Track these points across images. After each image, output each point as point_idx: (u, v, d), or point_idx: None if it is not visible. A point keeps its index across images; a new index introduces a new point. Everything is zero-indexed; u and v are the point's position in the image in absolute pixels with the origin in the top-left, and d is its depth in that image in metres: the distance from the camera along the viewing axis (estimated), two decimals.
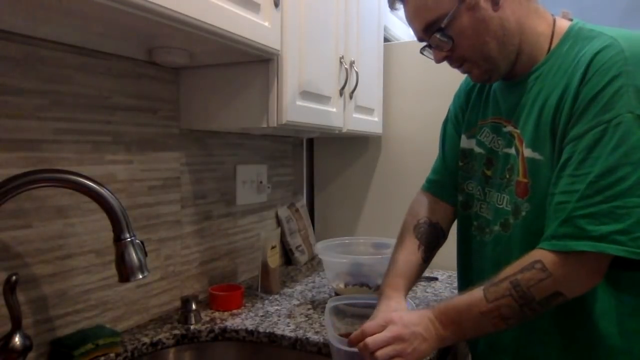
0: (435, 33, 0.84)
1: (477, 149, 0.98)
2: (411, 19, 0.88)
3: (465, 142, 1.02)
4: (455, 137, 1.06)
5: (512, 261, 0.82)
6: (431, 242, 1.05)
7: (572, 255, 0.74)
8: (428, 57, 0.92)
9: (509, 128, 0.90)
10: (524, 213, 0.85)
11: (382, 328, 0.82)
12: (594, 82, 0.75)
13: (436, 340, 0.82)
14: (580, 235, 0.73)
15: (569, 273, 0.75)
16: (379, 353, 0.79)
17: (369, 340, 0.80)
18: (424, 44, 0.90)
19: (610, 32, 0.80)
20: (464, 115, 1.04)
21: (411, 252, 1.03)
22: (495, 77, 0.90)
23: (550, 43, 0.86)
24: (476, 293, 0.80)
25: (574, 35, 0.84)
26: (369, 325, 0.83)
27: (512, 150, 0.89)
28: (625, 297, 0.81)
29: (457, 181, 1.05)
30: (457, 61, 0.89)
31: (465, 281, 1.03)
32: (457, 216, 1.06)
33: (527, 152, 0.85)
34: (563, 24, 0.87)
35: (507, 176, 0.89)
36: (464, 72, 0.92)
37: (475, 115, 1.00)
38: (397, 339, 0.80)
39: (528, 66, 0.87)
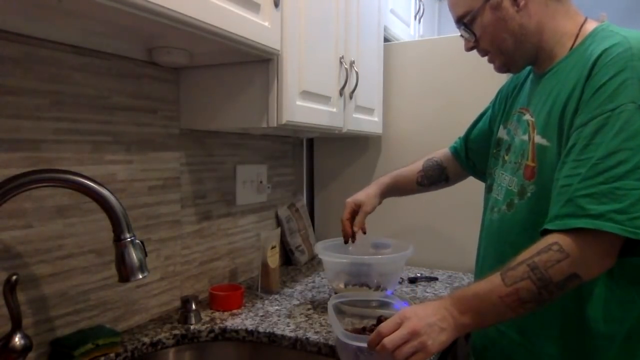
0: (462, 26, 0.95)
1: (505, 137, 1.05)
2: (450, 10, 0.99)
3: (501, 132, 1.08)
4: (485, 125, 1.18)
5: (513, 238, 0.91)
6: (432, 175, 1.28)
7: (585, 235, 0.76)
8: (453, 49, 1.05)
9: (527, 117, 0.96)
10: (529, 194, 0.90)
11: (398, 326, 0.82)
12: (600, 75, 0.79)
13: (455, 329, 0.82)
14: (580, 214, 0.76)
15: (585, 254, 0.76)
16: (398, 352, 0.79)
17: (386, 340, 0.80)
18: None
19: (624, 33, 0.83)
20: (505, 105, 1.10)
21: (412, 170, 1.29)
22: (514, 69, 0.99)
23: (574, 42, 0.90)
24: (494, 278, 0.81)
25: (594, 36, 0.88)
26: (384, 325, 0.83)
27: (526, 137, 0.94)
28: (614, 285, 0.84)
29: (472, 156, 1.22)
30: (481, 52, 0.99)
31: (477, 260, 1.10)
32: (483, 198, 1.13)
33: (537, 139, 0.90)
34: (590, 26, 0.91)
35: (520, 160, 0.95)
36: (488, 61, 1.00)
37: (511, 108, 1.07)
38: (413, 335, 0.80)
39: (551, 62, 0.93)
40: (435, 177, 1.28)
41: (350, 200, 1.26)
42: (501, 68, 0.99)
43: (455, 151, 1.27)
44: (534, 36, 0.91)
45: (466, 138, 1.24)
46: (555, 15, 0.91)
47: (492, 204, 1.03)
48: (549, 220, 0.80)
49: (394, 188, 1.29)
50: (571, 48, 0.90)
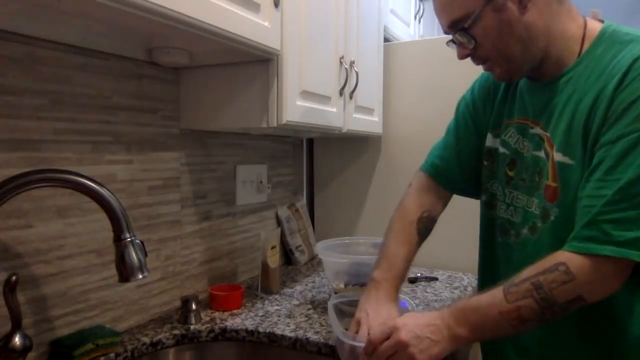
0: (459, 31, 0.84)
1: (501, 149, 0.96)
2: (438, 13, 0.87)
3: (490, 141, 0.99)
4: (472, 133, 1.03)
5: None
6: (426, 235, 1.06)
7: (597, 259, 0.72)
8: (452, 50, 0.90)
9: (537, 130, 0.88)
10: (552, 218, 0.84)
11: (388, 336, 0.82)
12: (633, 88, 0.74)
13: (449, 341, 0.80)
14: (604, 240, 0.72)
15: (594, 277, 0.73)
16: None
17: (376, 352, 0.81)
18: (450, 37, 0.89)
19: None
20: (487, 111, 1.01)
21: (412, 249, 1.02)
22: (517, 77, 0.90)
23: (582, 46, 0.84)
24: (496, 293, 0.78)
25: (607, 38, 0.82)
26: (375, 334, 0.83)
27: (542, 154, 0.87)
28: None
29: (468, 176, 1.04)
30: (479, 59, 0.88)
31: (487, 282, 0.99)
32: (480, 216, 1.04)
33: (558, 157, 0.83)
34: (594, 26, 0.85)
35: (537, 179, 0.87)
36: (486, 70, 0.91)
37: (501, 114, 0.98)
38: (400, 345, 0.79)
39: (557, 68, 0.86)
40: (428, 234, 1.07)
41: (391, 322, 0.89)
42: (503, 76, 0.89)
43: (438, 175, 1.07)
44: (541, 40, 0.83)
45: (458, 159, 1.05)
46: (560, 16, 0.83)
47: (502, 225, 0.95)
48: (568, 241, 0.76)
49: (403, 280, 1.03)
50: (579, 53, 0.84)
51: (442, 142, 1.10)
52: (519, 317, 0.76)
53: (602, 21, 0.86)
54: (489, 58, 0.86)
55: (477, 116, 1.03)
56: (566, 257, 0.74)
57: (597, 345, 0.84)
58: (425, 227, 1.04)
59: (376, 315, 0.93)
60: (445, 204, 1.09)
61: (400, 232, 1.04)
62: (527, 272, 0.77)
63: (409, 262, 1.01)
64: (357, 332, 0.92)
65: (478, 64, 0.89)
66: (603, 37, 0.83)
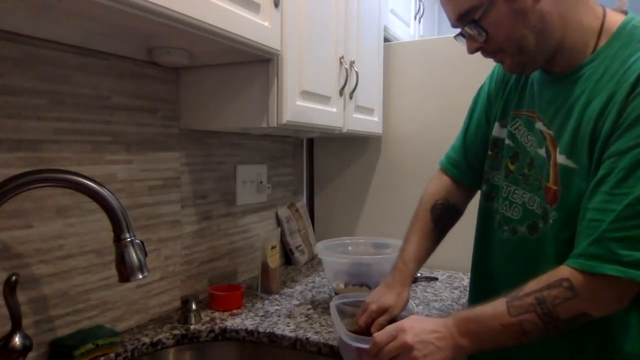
0: (468, 24, 0.79)
1: (507, 141, 0.93)
2: (445, 5, 0.82)
3: (497, 131, 0.96)
4: (482, 120, 1.02)
5: (535, 266, 0.80)
6: (446, 223, 1.08)
7: (602, 278, 0.70)
8: (453, 49, 0.87)
9: (540, 126, 0.85)
10: (551, 221, 0.82)
11: (393, 338, 0.82)
12: None
13: (452, 349, 0.80)
14: (610, 259, 0.70)
15: (598, 296, 0.72)
16: None
17: (380, 353, 0.81)
18: (458, 31, 0.84)
19: None
20: (498, 100, 0.98)
21: (425, 234, 1.05)
22: (529, 70, 0.85)
23: (598, 40, 0.78)
24: (499, 305, 0.77)
25: (626, 35, 0.76)
26: (380, 335, 0.83)
27: (543, 152, 0.84)
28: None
29: (475, 165, 1.04)
30: (491, 52, 0.83)
31: (480, 275, 1.03)
32: (479, 206, 1.03)
33: (561, 159, 0.80)
34: (614, 19, 0.79)
35: (539, 177, 0.85)
36: (497, 61, 0.86)
37: (510, 104, 0.94)
38: (405, 348, 0.79)
39: (570, 63, 0.81)
40: (450, 222, 1.08)
41: (374, 305, 0.98)
42: (514, 68, 0.83)
43: (452, 171, 1.07)
44: (557, 31, 0.77)
45: (464, 145, 1.06)
46: (577, 5, 0.77)
47: (501, 220, 0.93)
48: (573, 256, 0.74)
49: (420, 264, 1.07)
50: (595, 48, 0.78)
51: (460, 132, 1.11)
52: (521, 331, 0.75)
53: (626, 12, 0.80)
54: (501, 50, 0.81)
55: (490, 106, 1.01)
56: (570, 273, 0.73)
57: (589, 359, 0.83)
58: (441, 214, 1.06)
59: (373, 295, 1.01)
60: (465, 195, 1.09)
61: (415, 220, 1.08)
62: (531, 285, 0.76)
63: (422, 248, 1.05)
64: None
65: (488, 57, 0.85)
66: (621, 33, 0.77)
